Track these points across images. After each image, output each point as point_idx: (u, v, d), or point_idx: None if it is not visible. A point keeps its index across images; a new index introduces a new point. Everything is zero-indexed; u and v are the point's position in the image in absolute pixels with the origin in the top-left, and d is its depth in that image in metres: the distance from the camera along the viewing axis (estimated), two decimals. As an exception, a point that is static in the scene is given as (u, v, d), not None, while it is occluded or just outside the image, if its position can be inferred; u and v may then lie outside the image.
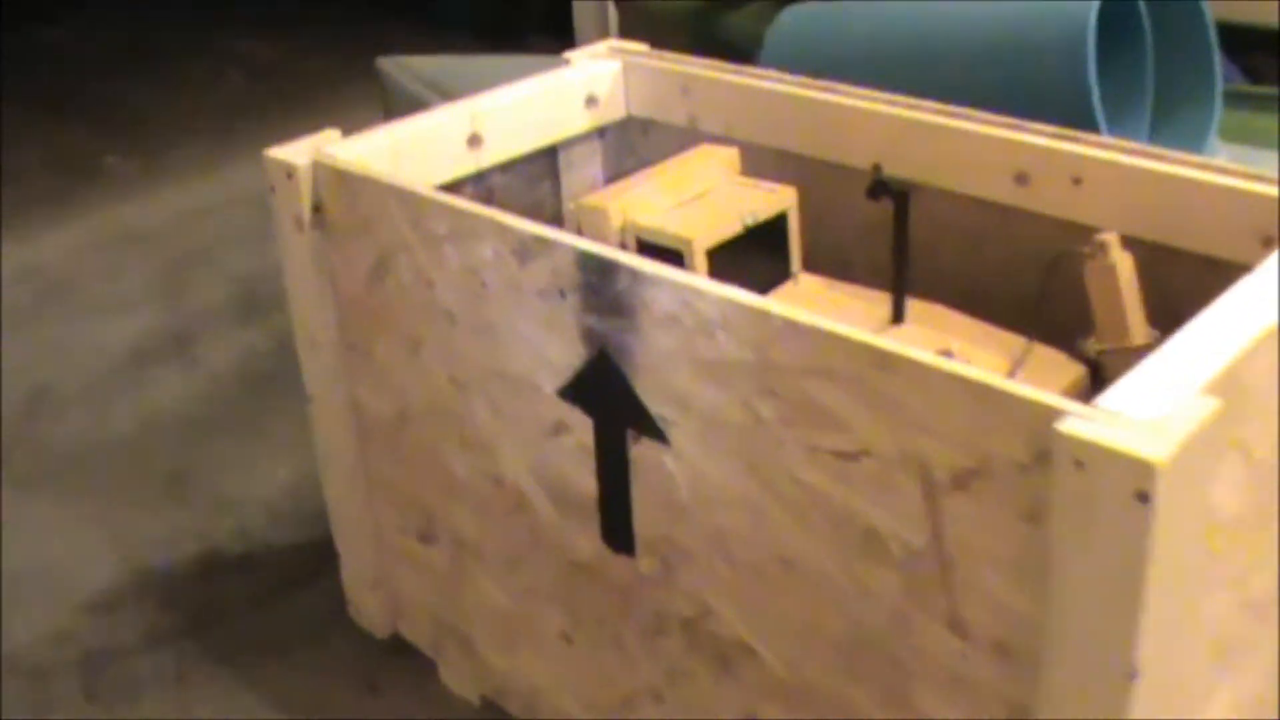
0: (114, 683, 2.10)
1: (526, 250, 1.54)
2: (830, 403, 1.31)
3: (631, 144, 2.22)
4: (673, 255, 1.72)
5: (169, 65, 5.23)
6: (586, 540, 1.67)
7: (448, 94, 3.02)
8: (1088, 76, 2.31)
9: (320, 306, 1.89)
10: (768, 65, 2.24)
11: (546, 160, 2.16)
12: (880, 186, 1.64)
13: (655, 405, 1.49)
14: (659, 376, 1.46)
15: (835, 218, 1.96)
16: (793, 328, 1.31)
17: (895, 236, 1.67)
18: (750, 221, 1.76)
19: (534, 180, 2.15)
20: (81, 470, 2.64)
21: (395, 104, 3.28)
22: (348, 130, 1.90)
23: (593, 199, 1.82)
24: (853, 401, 1.29)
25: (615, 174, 2.24)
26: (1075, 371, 1.65)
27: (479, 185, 2.06)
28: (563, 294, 1.50)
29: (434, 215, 1.64)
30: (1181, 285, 1.68)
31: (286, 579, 2.31)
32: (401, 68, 3.24)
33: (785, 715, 1.53)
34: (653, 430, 1.50)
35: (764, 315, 1.33)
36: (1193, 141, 2.57)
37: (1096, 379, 1.68)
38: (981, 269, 1.86)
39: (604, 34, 4.32)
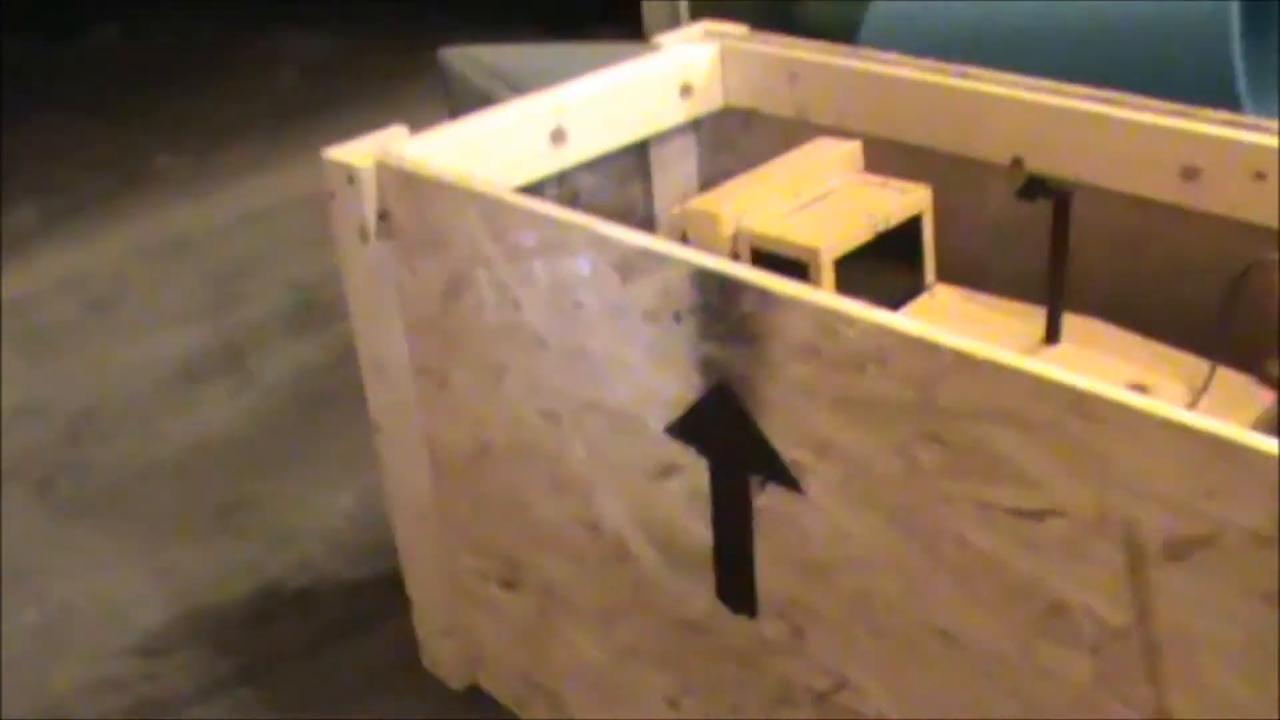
0: (165, 739, 1.90)
1: (631, 266, 1.33)
2: (1012, 452, 1.09)
3: (730, 138, 2.00)
4: (795, 267, 1.49)
5: (220, 64, 5.04)
6: (699, 597, 1.46)
7: (519, 87, 2.81)
8: (1231, 54, 2.08)
9: (388, 327, 1.68)
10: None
11: (636, 157, 1.94)
12: (1035, 186, 1.42)
13: (786, 448, 1.27)
14: (792, 415, 1.24)
15: (966, 220, 1.74)
16: (967, 363, 1.08)
17: (1053, 243, 1.44)
18: (882, 227, 1.53)
19: (623, 180, 1.93)
20: (129, 499, 2.45)
21: (461, 99, 3.07)
22: (413, 130, 1.69)
23: (700, 202, 1.60)
24: (1041, 452, 1.07)
25: (712, 172, 2.02)
26: (1264, 400, 1.42)
27: (562, 187, 1.84)
28: (677, 317, 1.28)
29: (520, 225, 1.43)
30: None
31: (351, 620, 2.10)
32: (467, 59, 3.02)
33: (939, 807, 1.30)
34: (783, 476, 1.28)
35: (930, 347, 1.10)
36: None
37: (1290, 407, 1.45)
38: (1138, 278, 1.63)
39: (675, 22, 4.10)
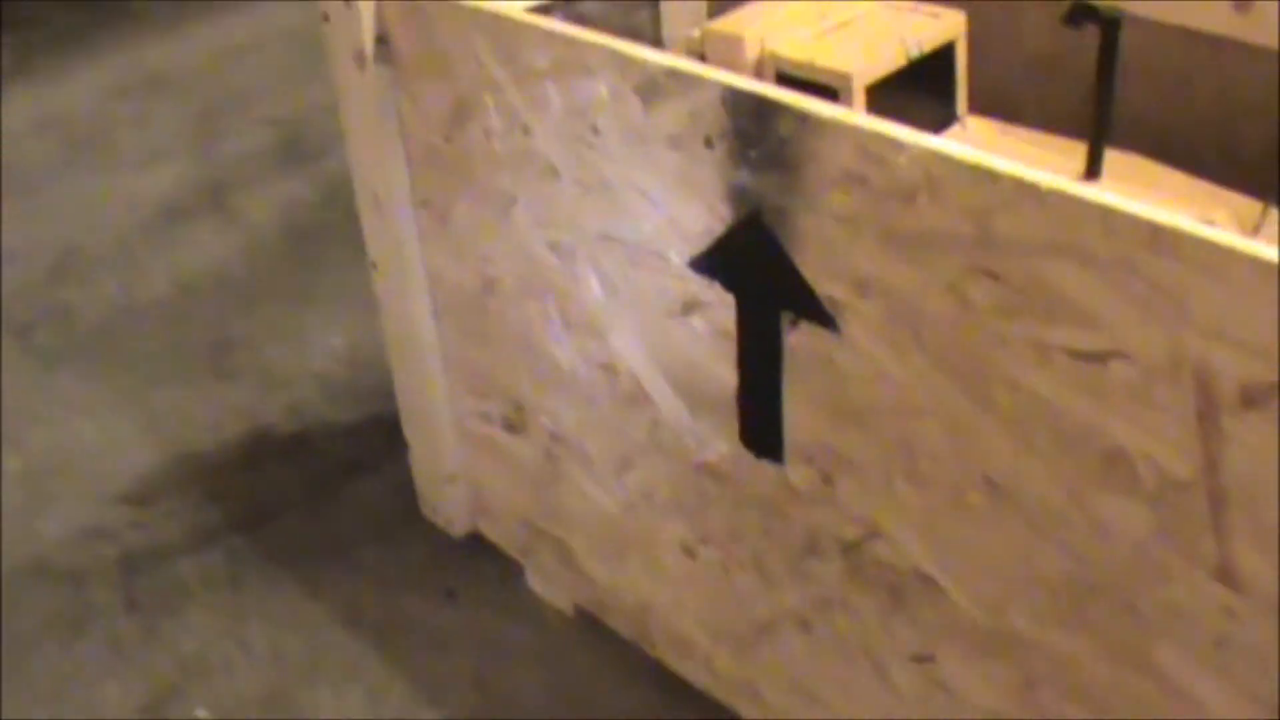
0: (157, 589, 1.84)
1: (656, 88, 1.23)
2: (1075, 290, 1.01)
3: (745, -38, 1.88)
4: (824, 93, 1.39)
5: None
6: (720, 442, 1.38)
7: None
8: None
9: (386, 159, 1.58)
10: None
11: (645, -18, 1.83)
12: (1082, 11, 1.32)
13: (823, 284, 1.19)
14: (831, 249, 1.16)
15: (999, 50, 1.64)
16: (1030, 193, 1.00)
17: (1100, 72, 1.35)
18: (915, 53, 1.43)
19: (630, 7, 1.82)
20: (113, 342, 2.36)
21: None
22: None
23: (722, 24, 1.49)
24: (1109, 290, 0.99)
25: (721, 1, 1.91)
26: (1321, 240, 1.33)
27: (568, 13, 1.72)
28: (708, 143, 1.19)
29: (533, 46, 1.33)
30: None
31: (347, 466, 2.04)
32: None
33: (973, 660, 1.24)
34: (818, 314, 1.20)
35: (989, 175, 1.02)
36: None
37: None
38: (1184, 113, 1.54)
39: None
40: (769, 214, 1.19)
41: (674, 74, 1.21)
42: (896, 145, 1.06)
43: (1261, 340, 0.93)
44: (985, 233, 1.04)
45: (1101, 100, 1.37)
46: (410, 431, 1.82)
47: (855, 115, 1.09)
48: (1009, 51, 1.62)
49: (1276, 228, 1.36)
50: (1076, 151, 1.45)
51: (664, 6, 1.85)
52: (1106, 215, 0.96)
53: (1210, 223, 1.14)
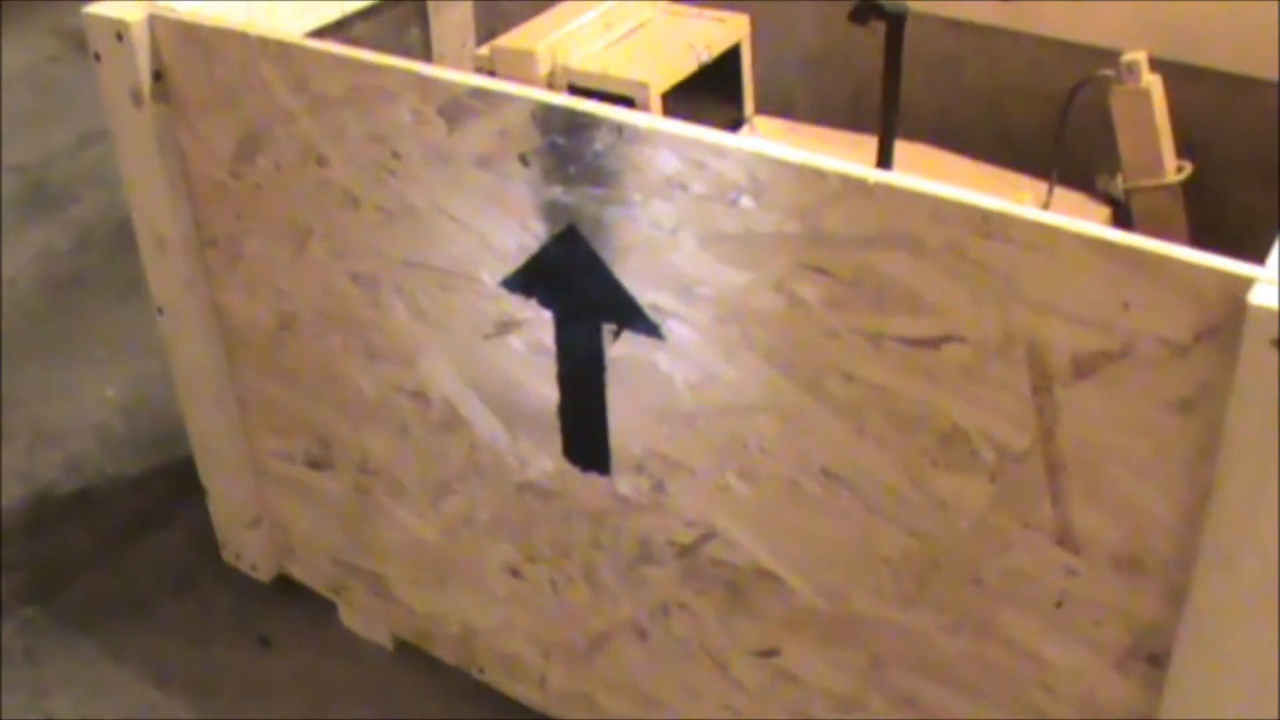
0: (-53, 668, 1.74)
1: (461, 108, 1.22)
2: (906, 279, 1.04)
3: (510, -22, 1.89)
4: (620, 102, 1.41)
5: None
6: (542, 459, 1.38)
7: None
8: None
9: (169, 198, 1.53)
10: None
11: (413, 3, 1.81)
12: (867, 8, 1.35)
13: (645, 293, 1.20)
14: (653, 257, 1.17)
15: (773, 49, 1.67)
16: (857, 188, 1.02)
17: (887, 67, 1.39)
18: (705, 58, 1.46)
19: (400, 26, 1.81)
20: None
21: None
22: None
23: (511, 40, 1.49)
24: (940, 276, 1.02)
25: (489, 17, 1.91)
26: (1102, 215, 1.41)
27: (342, 37, 1.71)
28: (524, 160, 1.19)
29: (327, 73, 1.31)
30: (1204, 108, 1.44)
31: (137, 519, 1.97)
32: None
33: (818, 648, 1.27)
34: (641, 323, 1.21)
35: (816, 174, 1.04)
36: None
37: (1122, 221, 1.44)
38: (955, 97, 1.60)
39: None
40: (585, 226, 1.20)
41: (480, 93, 1.20)
42: (719, 150, 1.07)
43: (1090, 312, 0.97)
44: (813, 230, 1.06)
45: (889, 93, 1.41)
46: (207, 477, 1.77)
47: (672, 123, 1.10)
48: (784, 49, 1.66)
49: (1057, 203, 1.42)
50: (864, 144, 1.49)
51: (434, 24, 1.84)
52: (936, 204, 0.99)
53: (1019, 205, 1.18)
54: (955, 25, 1.51)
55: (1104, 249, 0.94)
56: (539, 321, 1.29)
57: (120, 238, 2.63)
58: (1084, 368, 0.99)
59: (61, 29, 3.55)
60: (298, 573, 1.79)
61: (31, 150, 2.93)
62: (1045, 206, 1.36)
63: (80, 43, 3.32)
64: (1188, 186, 1.40)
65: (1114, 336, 0.97)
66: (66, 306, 2.45)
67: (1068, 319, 0.98)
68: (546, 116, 1.16)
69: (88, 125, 2.98)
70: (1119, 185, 1.41)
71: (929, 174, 1.42)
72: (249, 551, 1.80)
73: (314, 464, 1.64)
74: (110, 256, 2.60)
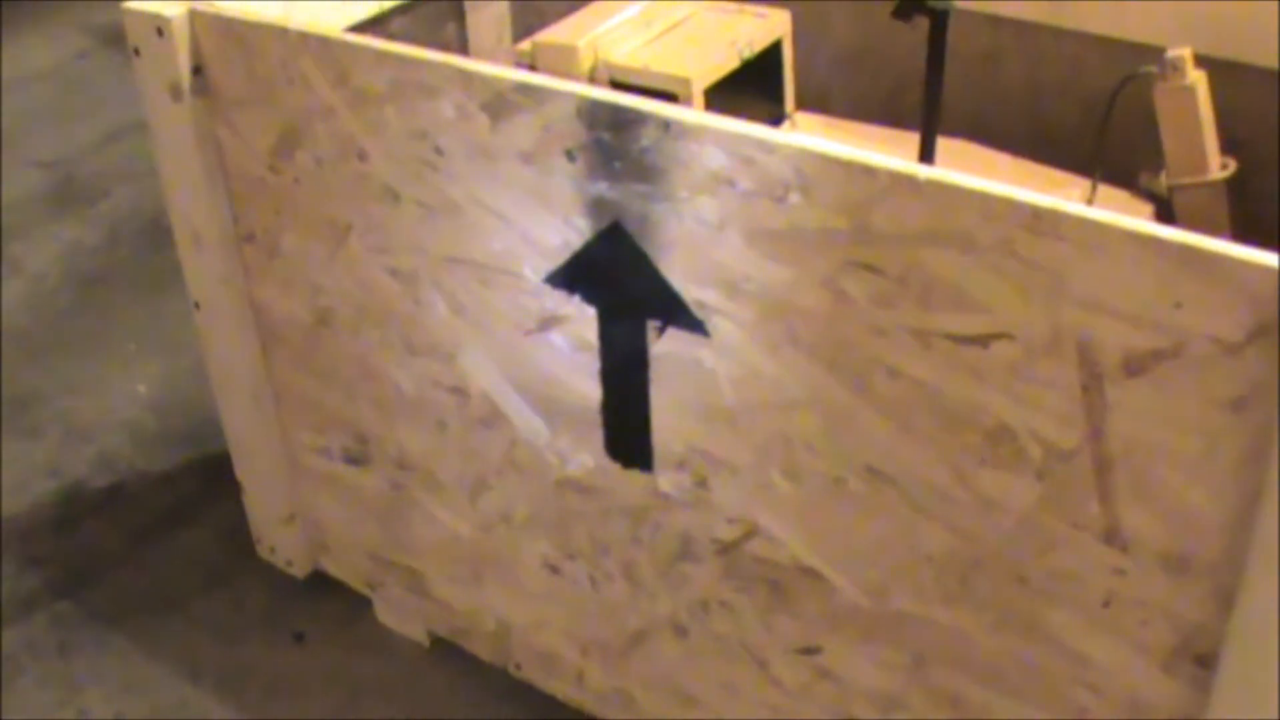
0: (-18, 664, 1.74)
1: (505, 104, 1.22)
2: (954, 276, 1.03)
3: (545, -26, 1.88)
4: (663, 98, 1.40)
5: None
6: (584, 456, 1.38)
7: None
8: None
9: (206, 193, 1.53)
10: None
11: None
12: (910, 4, 1.35)
13: (691, 289, 1.19)
14: (699, 254, 1.17)
15: (811, 45, 1.67)
16: (907, 184, 1.02)
17: (930, 64, 1.38)
18: (747, 53, 1.45)
19: (437, 21, 1.81)
20: (-102, 404, 2.23)
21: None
22: None
23: (553, 35, 1.49)
24: (989, 274, 1.02)
25: (524, 13, 1.91)
26: (1144, 213, 1.40)
27: (379, 31, 1.70)
28: (570, 156, 1.18)
29: (368, 68, 1.31)
30: (1247, 105, 1.44)
31: (169, 514, 1.97)
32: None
33: (859, 646, 1.26)
34: (686, 320, 1.21)
35: (865, 170, 1.03)
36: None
37: (1164, 218, 1.44)
38: (993, 97, 1.59)
39: None
40: (630, 223, 1.20)
41: (525, 88, 1.20)
42: (767, 146, 1.07)
43: (1141, 310, 0.96)
44: (861, 227, 1.06)
45: (931, 90, 1.41)
46: (243, 472, 1.77)
47: (719, 119, 1.10)
48: (819, 45, 1.65)
49: (1102, 201, 1.41)
50: (904, 140, 1.48)
51: (470, 20, 1.84)
52: (986, 201, 0.98)
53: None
54: (995, 21, 1.51)
55: (1156, 247, 0.93)
56: (582, 318, 1.29)
57: (150, 233, 2.63)
58: (1135, 366, 0.99)
59: (90, 25, 3.56)
60: (333, 568, 1.80)
61: (61, 146, 2.94)
62: (1089, 203, 1.35)
63: (108, 38, 3.34)
64: (1230, 184, 1.39)
65: (1165, 335, 0.96)
66: (96, 302, 2.46)
67: (1119, 317, 0.98)
68: (592, 112, 1.16)
69: (117, 120, 2.98)
70: (1162, 182, 1.40)
71: (971, 170, 1.41)
72: (284, 547, 1.80)
73: (350, 460, 1.64)
74: (140, 252, 2.61)
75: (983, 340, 1.04)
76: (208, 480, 1.99)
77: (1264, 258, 0.91)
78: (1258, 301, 0.92)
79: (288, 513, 1.76)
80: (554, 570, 1.50)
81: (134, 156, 2.88)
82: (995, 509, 1.12)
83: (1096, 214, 0.95)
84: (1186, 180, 1.38)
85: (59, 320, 2.40)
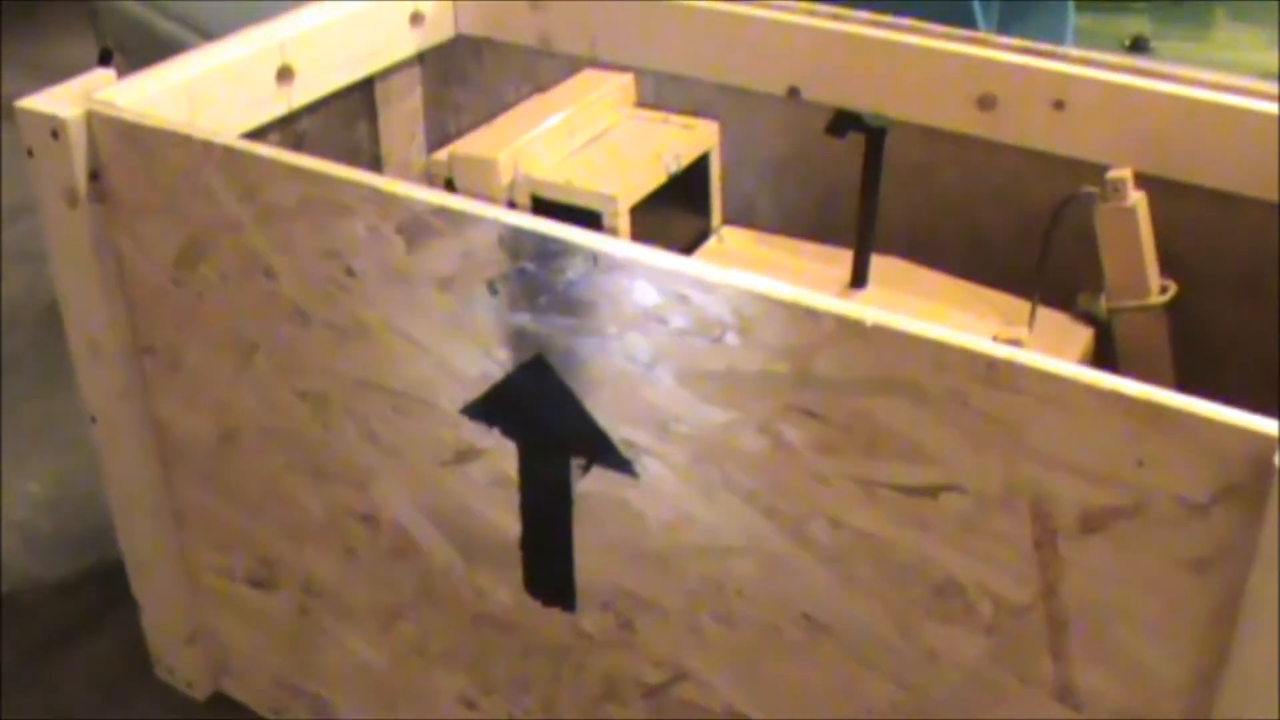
0: None
1: (422, 227, 1.15)
2: (902, 426, 0.98)
3: (461, 70, 1.83)
4: (585, 216, 1.34)
5: None
6: (502, 591, 1.31)
7: (183, 17, 2.56)
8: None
9: (104, 303, 1.45)
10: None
11: (362, 95, 1.75)
12: (846, 121, 1.30)
13: (619, 428, 1.13)
14: (627, 392, 1.10)
15: (738, 154, 1.62)
16: (853, 330, 0.96)
17: (865, 182, 1.34)
18: (674, 168, 1.40)
19: (348, 120, 1.74)
20: None
21: (114, 31, 2.80)
22: (59, 72, 1.45)
23: (471, 146, 1.43)
24: (939, 424, 0.96)
25: (439, 108, 1.85)
26: (1085, 337, 1.36)
27: (287, 131, 1.64)
28: (493, 289, 1.12)
29: (277, 181, 1.24)
30: (1185, 226, 1.40)
31: (66, 626, 1.87)
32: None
33: (795, 801, 1.20)
34: (612, 459, 1.15)
35: (808, 313, 0.98)
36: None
37: (1104, 342, 1.40)
38: (927, 210, 1.55)
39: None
40: (555, 356, 1.13)
41: (443, 212, 1.13)
42: (704, 284, 1.01)
43: (1100, 466, 0.92)
44: (803, 372, 1.00)
45: (866, 208, 1.36)
46: (141, 591, 1.67)
47: (652, 252, 1.04)
48: (747, 156, 1.60)
49: (1035, 325, 1.37)
50: (836, 258, 1.44)
51: (382, 118, 1.77)
52: (938, 350, 0.93)
53: (1016, 342, 1.13)
54: (929, 133, 1.46)
55: (1118, 402, 0.89)
56: (501, 451, 1.22)
57: (46, 320, 2.53)
58: (1092, 524, 0.94)
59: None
60: (236, 692, 1.70)
61: (-46, 227, 2.84)
62: (1029, 329, 1.31)
63: (8, 112, 3.23)
64: (1170, 305, 1.36)
65: (1126, 493, 0.91)
66: (-15, 395, 2.35)
67: (1076, 473, 0.93)
68: (515, 240, 1.10)
69: (11, 199, 2.88)
70: (1102, 305, 1.36)
71: (906, 291, 1.37)
72: (184, 668, 1.71)
73: (255, 583, 1.55)
74: (36, 339, 2.50)
75: (932, 491, 0.99)
76: (107, 588, 1.89)
77: (1233, 417, 0.86)
78: (1226, 461, 0.87)
79: (188, 633, 1.67)
80: (470, 705, 1.42)
81: (31, 237, 2.77)
82: (941, 662, 1.06)
83: (1056, 366, 0.90)
84: (1127, 304, 1.34)
85: (-53, 414, 2.30)
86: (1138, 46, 2.85)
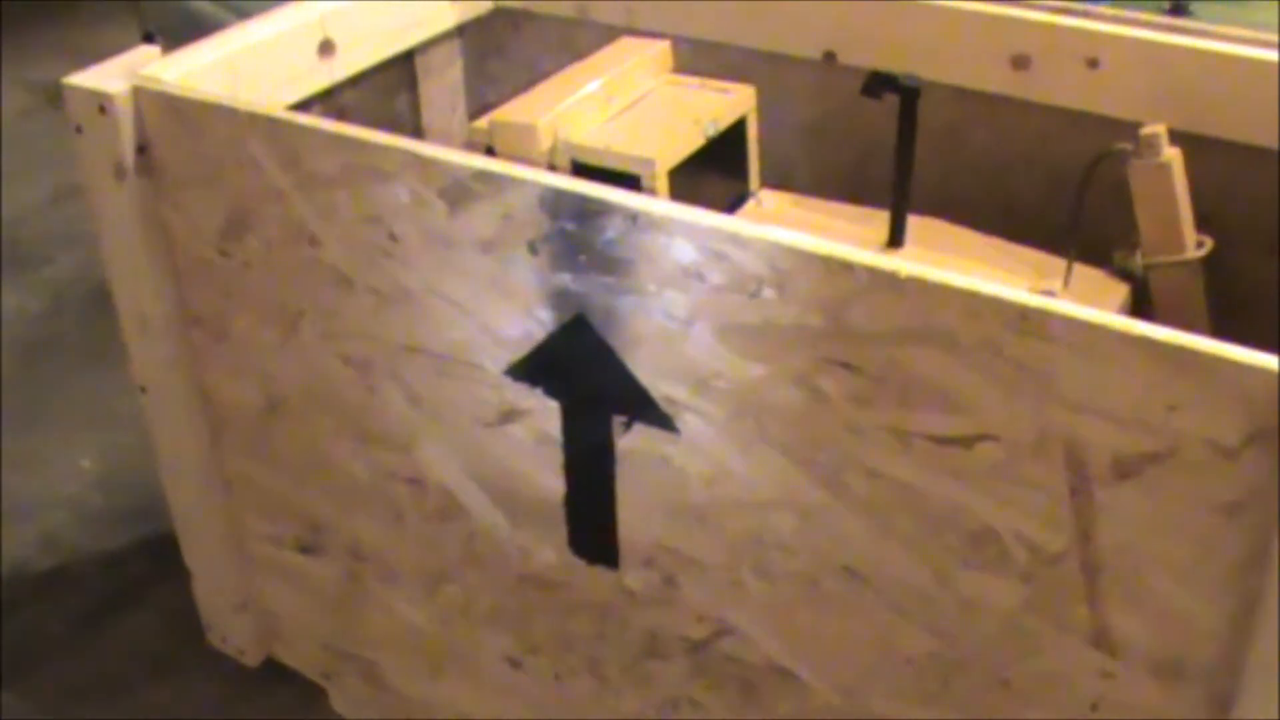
0: (-83, 760, 1.67)
1: (464, 191, 1.17)
2: (936, 376, 0.99)
3: (499, 42, 1.85)
4: (624, 179, 1.36)
5: None
6: (546, 550, 1.33)
7: (225, -2, 2.60)
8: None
9: (152, 275, 1.48)
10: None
11: (402, 68, 1.77)
12: (881, 82, 1.32)
13: (658, 385, 1.15)
14: (667, 349, 1.12)
15: (774, 119, 1.63)
16: (887, 282, 0.98)
17: (900, 143, 1.35)
18: (711, 132, 1.41)
19: (389, 93, 1.77)
20: None
21: (156, 14, 2.83)
22: (100, 53, 1.47)
23: (511, 113, 1.44)
24: (972, 374, 0.98)
25: (478, 80, 1.87)
26: (1121, 293, 1.37)
27: (329, 104, 1.66)
28: (533, 249, 1.14)
29: (320, 151, 1.26)
30: (1220, 180, 1.41)
31: (115, 597, 1.90)
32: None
33: (836, 751, 1.22)
34: (654, 416, 1.16)
35: (843, 267, 0.99)
36: None
37: (1140, 298, 1.40)
38: (959, 171, 1.56)
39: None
40: (595, 316, 1.15)
41: (484, 176, 1.15)
42: (740, 240, 1.03)
43: (1132, 412, 0.93)
44: (838, 324, 1.02)
45: (901, 168, 1.37)
46: (192, 560, 1.70)
47: (688, 210, 1.06)
48: (785, 120, 1.62)
49: (1070, 281, 1.38)
50: (873, 219, 1.45)
51: (423, 90, 1.80)
52: (971, 300, 0.95)
53: (1050, 293, 1.15)
54: (961, 94, 1.47)
55: (1148, 348, 0.90)
56: (544, 411, 1.24)
57: (95, 300, 2.56)
58: (1125, 470, 0.95)
59: (33, 82, 3.50)
60: (286, 657, 1.73)
61: (3, 208, 2.87)
62: (1066, 285, 1.32)
63: (53, 96, 3.27)
64: (1206, 260, 1.36)
65: (1158, 438, 0.93)
66: (39, 373, 2.39)
67: (1109, 419, 0.94)
68: (555, 201, 1.12)
69: (61, 182, 2.92)
70: (1137, 262, 1.37)
71: (942, 250, 1.38)
72: (236, 635, 1.74)
73: (304, 549, 1.58)
74: (85, 320, 2.54)
75: (965, 441, 1.00)
76: (156, 561, 1.93)
77: (1262, 359, 0.87)
78: (1255, 405, 0.88)
79: (239, 601, 1.70)
80: (515, 665, 1.44)
81: (79, 219, 2.80)
82: (977, 611, 1.07)
83: (1086, 314, 0.91)
84: (1162, 259, 1.35)
85: (1, 392, 2.33)
86: (1177, 9, 2.83)
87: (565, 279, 1.14)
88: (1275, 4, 2.96)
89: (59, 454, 2.19)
